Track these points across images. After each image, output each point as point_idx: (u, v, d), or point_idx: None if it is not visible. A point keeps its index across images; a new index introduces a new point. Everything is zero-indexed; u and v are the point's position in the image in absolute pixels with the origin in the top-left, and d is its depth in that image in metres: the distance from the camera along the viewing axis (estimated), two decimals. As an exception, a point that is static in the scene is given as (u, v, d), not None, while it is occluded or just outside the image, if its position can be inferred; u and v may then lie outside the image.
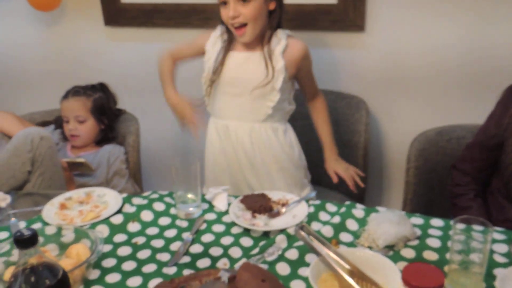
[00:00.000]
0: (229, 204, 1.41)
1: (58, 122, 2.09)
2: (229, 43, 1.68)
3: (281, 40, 1.63)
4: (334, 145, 1.82)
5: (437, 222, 1.30)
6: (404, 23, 1.93)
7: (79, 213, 1.40)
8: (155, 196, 1.47)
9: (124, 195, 1.48)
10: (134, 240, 1.28)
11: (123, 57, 2.40)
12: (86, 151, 2.01)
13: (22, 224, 1.35)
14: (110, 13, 2.31)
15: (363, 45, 2.02)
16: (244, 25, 1.58)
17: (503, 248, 1.19)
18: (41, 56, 2.52)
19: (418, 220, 1.31)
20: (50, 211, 1.41)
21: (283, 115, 1.74)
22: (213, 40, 1.72)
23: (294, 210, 1.37)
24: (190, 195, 1.39)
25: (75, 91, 2.02)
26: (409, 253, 1.18)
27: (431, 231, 1.26)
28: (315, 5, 2.01)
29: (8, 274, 1.05)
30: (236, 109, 1.69)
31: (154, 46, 2.33)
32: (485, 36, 1.85)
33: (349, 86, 2.06)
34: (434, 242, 1.22)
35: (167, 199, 1.46)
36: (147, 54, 2.36)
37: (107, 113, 2.06)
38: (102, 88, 2.09)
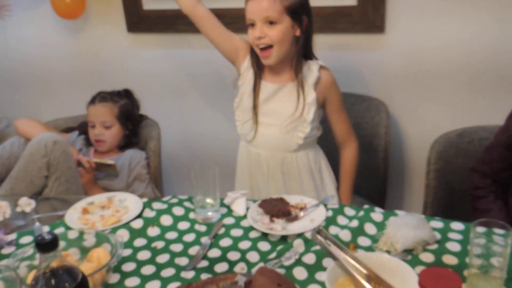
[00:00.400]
0: (247, 209, 1.42)
1: (82, 128, 2.13)
2: (260, 72, 1.67)
3: (313, 71, 1.63)
4: (349, 197, 1.78)
5: (457, 225, 1.29)
6: (424, 23, 1.91)
7: (101, 218, 1.43)
8: (174, 200, 1.49)
9: (145, 199, 1.50)
10: (153, 245, 1.30)
11: (145, 62, 2.44)
12: (109, 156, 2.04)
13: (45, 229, 1.39)
14: (132, 19, 2.35)
15: (383, 47, 2.00)
16: (269, 47, 1.58)
17: (525, 252, 1.17)
18: (66, 63, 2.57)
19: (437, 223, 1.30)
20: (73, 215, 1.44)
21: (312, 141, 1.73)
22: (249, 64, 1.70)
23: (312, 214, 1.37)
24: (208, 200, 1.40)
25: (102, 97, 2.06)
26: (428, 257, 1.17)
27: (451, 235, 1.25)
28: (335, 7, 2.01)
29: (31, 278, 1.08)
30: (269, 139, 1.69)
31: (176, 51, 2.37)
32: (508, 35, 1.82)
33: (369, 88, 2.05)
34: (454, 246, 1.20)
35: (187, 204, 1.47)
36: (168, 59, 2.39)
37: (132, 119, 2.10)
38: (127, 94, 2.13)
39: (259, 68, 1.68)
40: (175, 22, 2.28)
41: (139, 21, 2.35)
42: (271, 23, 1.55)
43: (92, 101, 2.07)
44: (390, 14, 1.94)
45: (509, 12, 1.79)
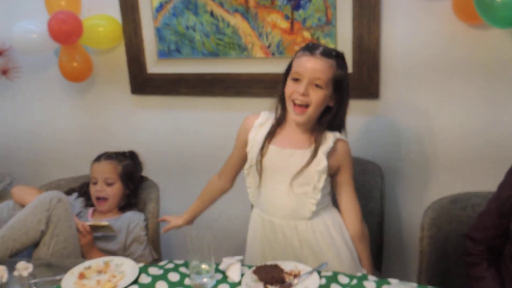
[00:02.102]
0: (242, 275, 1.43)
1: (82, 189, 2.17)
2: (271, 136, 1.65)
3: (328, 142, 1.61)
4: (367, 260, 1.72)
5: (449, 295, 1.29)
6: (416, 91, 1.98)
7: (97, 283, 1.44)
8: (170, 266, 1.51)
9: (141, 265, 1.52)
10: (147, 312, 1.31)
11: (148, 123, 2.50)
12: (108, 217, 2.06)
13: (42, 294, 1.40)
14: (137, 82, 2.43)
15: (378, 112, 2.06)
16: (306, 105, 1.57)
17: (516, 324, 1.17)
18: (71, 123, 2.64)
19: (430, 293, 1.31)
20: (70, 280, 1.46)
21: (327, 205, 1.69)
22: (256, 129, 1.68)
23: (306, 281, 1.38)
24: (204, 266, 1.42)
25: (108, 155, 2.13)
26: (419, 329, 1.17)
27: (443, 306, 1.25)
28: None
29: None
30: (281, 207, 1.65)
31: (179, 113, 2.43)
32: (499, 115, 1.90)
33: (364, 152, 2.09)
34: (446, 318, 1.21)
35: (182, 269, 1.49)
36: (170, 120, 2.45)
37: (133, 180, 2.14)
38: (132, 156, 2.20)
39: (271, 132, 1.66)
40: (178, 85, 2.36)
41: (143, 83, 2.43)
42: (317, 86, 1.55)
43: (98, 158, 2.14)
44: (384, 81, 2.01)
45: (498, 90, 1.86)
